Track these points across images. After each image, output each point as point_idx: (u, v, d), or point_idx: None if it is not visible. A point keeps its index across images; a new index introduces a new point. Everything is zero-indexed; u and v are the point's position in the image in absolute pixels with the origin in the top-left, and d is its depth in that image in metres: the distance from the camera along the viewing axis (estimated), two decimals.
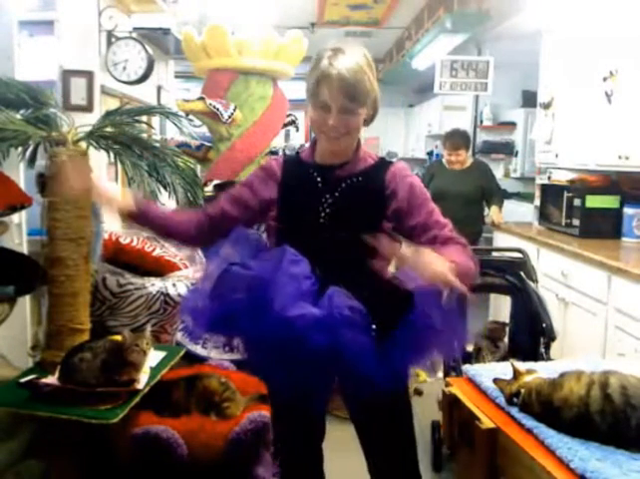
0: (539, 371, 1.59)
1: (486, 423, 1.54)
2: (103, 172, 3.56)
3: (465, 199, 4.02)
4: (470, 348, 2.56)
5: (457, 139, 4.12)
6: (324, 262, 1.40)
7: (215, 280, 1.36)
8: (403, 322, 1.32)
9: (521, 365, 1.61)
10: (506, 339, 2.60)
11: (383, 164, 1.53)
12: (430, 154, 7.84)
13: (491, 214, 4.16)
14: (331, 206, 1.46)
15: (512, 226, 4.19)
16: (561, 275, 3.15)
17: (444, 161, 4.25)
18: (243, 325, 1.34)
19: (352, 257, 1.45)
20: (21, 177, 2.30)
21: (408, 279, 1.29)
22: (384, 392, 1.28)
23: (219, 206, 1.56)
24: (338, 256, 1.44)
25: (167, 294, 2.20)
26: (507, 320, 2.87)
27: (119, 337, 1.82)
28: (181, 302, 1.52)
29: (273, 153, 3.33)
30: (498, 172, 6.37)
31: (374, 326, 1.31)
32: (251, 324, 1.31)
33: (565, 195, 3.62)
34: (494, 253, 3.00)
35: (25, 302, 2.41)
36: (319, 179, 1.49)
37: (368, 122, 1.51)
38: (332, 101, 1.38)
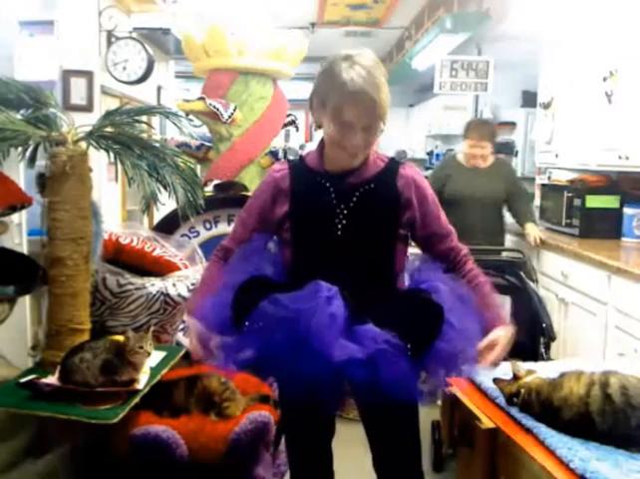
0: (539, 371, 1.59)
1: (486, 423, 1.54)
2: (103, 172, 3.57)
3: (489, 204, 3.41)
4: None
5: (482, 128, 3.45)
6: (345, 276, 1.38)
7: (248, 316, 1.34)
8: (437, 337, 1.33)
9: (521, 365, 1.61)
10: None
11: (393, 166, 1.49)
12: (430, 154, 7.85)
13: (530, 232, 3.44)
14: (347, 217, 1.43)
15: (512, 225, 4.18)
16: (561, 275, 3.15)
17: (460, 157, 3.55)
18: (280, 363, 1.32)
19: (373, 268, 1.45)
20: (21, 177, 2.30)
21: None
22: (397, 400, 1.28)
23: (238, 238, 1.53)
24: (358, 269, 1.42)
25: (168, 294, 2.20)
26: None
27: (119, 337, 1.82)
28: (200, 317, 1.49)
29: (273, 153, 3.33)
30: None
31: (409, 346, 1.30)
32: (289, 363, 1.29)
33: (565, 195, 3.62)
34: (494, 254, 3.00)
35: (25, 302, 2.41)
36: (332, 189, 1.45)
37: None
38: (357, 120, 1.35)
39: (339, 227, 1.43)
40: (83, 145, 1.92)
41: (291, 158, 1.55)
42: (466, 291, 1.46)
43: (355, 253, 1.43)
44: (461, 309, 1.39)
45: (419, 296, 1.41)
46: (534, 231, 3.42)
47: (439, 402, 1.82)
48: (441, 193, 3.29)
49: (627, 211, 3.31)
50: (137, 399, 1.77)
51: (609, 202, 3.43)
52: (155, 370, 1.90)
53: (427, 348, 1.31)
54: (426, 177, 1.69)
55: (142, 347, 1.73)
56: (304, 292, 1.33)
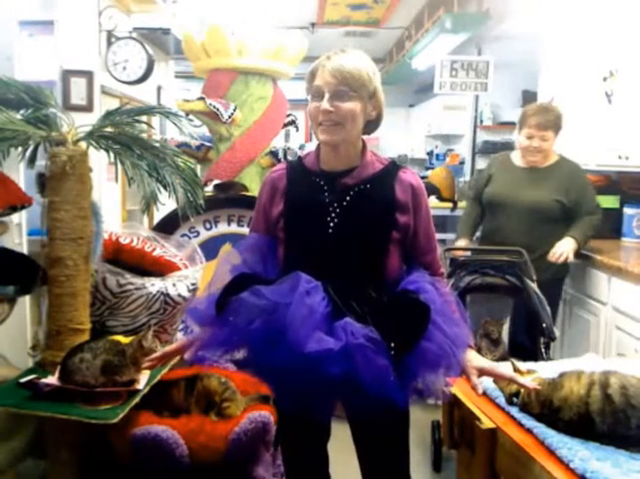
0: (539, 371, 1.59)
1: (486, 423, 1.54)
2: (103, 172, 3.57)
3: (537, 214, 2.67)
4: None
5: (545, 114, 2.67)
6: (335, 275, 1.37)
7: (228, 308, 1.35)
8: (421, 336, 1.31)
9: (521, 365, 1.61)
10: (505, 337, 2.60)
11: (393, 169, 1.47)
12: (430, 154, 7.85)
13: (556, 246, 2.62)
14: (339, 215, 1.42)
15: None
16: None
17: (513, 155, 2.87)
18: (257, 354, 1.34)
19: (363, 269, 1.43)
20: (21, 177, 2.30)
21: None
22: (388, 409, 1.26)
23: (257, 251, 1.53)
24: (349, 268, 1.41)
25: (167, 294, 2.20)
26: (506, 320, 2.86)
27: (120, 338, 1.82)
28: (189, 312, 1.51)
29: (273, 153, 3.33)
30: None
31: (392, 345, 1.28)
32: (266, 354, 1.30)
33: None
34: (494, 254, 2.99)
35: (25, 302, 2.41)
36: (325, 187, 1.44)
37: (372, 127, 1.48)
38: (325, 85, 1.37)
39: (331, 225, 1.42)
40: (83, 145, 1.92)
41: (290, 158, 1.56)
42: (452, 297, 1.46)
43: (346, 252, 1.42)
44: (448, 313, 1.39)
45: (406, 296, 1.40)
46: (563, 246, 2.60)
47: (439, 402, 1.82)
48: (480, 196, 2.89)
49: (627, 211, 3.31)
50: (137, 399, 1.77)
51: (609, 202, 3.43)
52: (155, 370, 1.90)
53: (410, 347, 1.29)
54: (423, 177, 1.67)
55: (157, 347, 1.75)
56: (284, 285, 1.34)
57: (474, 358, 1.40)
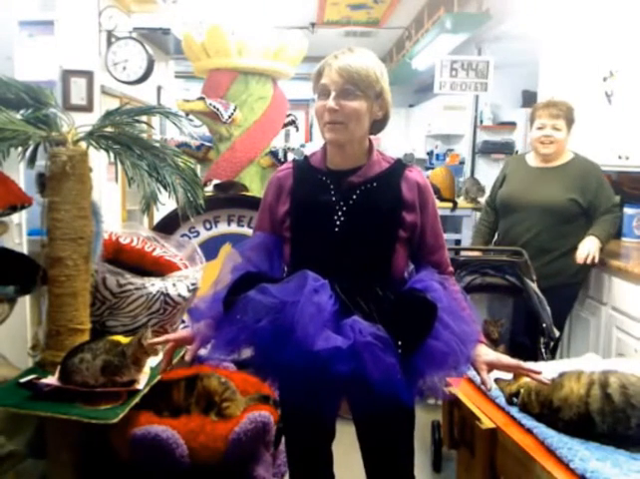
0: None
1: (486, 423, 1.54)
2: (103, 172, 3.57)
3: (549, 213, 2.62)
4: None
5: (556, 104, 2.68)
6: (341, 273, 1.38)
7: (235, 306, 1.34)
8: (428, 334, 1.31)
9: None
10: (505, 337, 2.60)
11: (399, 168, 1.48)
12: (430, 154, 7.85)
13: (581, 245, 2.59)
14: (345, 214, 1.42)
15: None
16: None
17: (528, 156, 2.87)
18: (265, 352, 1.33)
19: (370, 267, 1.43)
20: (21, 177, 2.30)
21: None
22: (394, 408, 1.27)
23: (263, 249, 1.53)
24: (355, 267, 1.41)
25: (168, 294, 2.20)
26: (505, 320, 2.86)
27: (120, 338, 1.82)
28: (192, 311, 1.50)
29: (273, 153, 3.33)
30: (498, 172, 6.35)
31: (399, 343, 1.28)
32: (273, 352, 1.30)
33: None
34: (494, 253, 3.00)
35: (25, 302, 2.41)
36: (332, 186, 1.45)
37: (378, 126, 1.48)
38: (331, 84, 1.37)
39: (337, 223, 1.42)
40: (83, 145, 1.92)
41: (296, 158, 1.56)
42: (461, 295, 1.45)
43: (352, 251, 1.42)
44: (456, 310, 1.39)
45: (413, 294, 1.40)
46: (587, 246, 2.57)
47: (439, 402, 1.82)
48: (494, 200, 2.91)
49: (627, 211, 3.30)
50: (137, 399, 1.77)
51: None
52: (155, 370, 1.90)
53: (417, 346, 1.30)
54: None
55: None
56: (292, 283, 1.34)
57: (483, 354, 1.38)
